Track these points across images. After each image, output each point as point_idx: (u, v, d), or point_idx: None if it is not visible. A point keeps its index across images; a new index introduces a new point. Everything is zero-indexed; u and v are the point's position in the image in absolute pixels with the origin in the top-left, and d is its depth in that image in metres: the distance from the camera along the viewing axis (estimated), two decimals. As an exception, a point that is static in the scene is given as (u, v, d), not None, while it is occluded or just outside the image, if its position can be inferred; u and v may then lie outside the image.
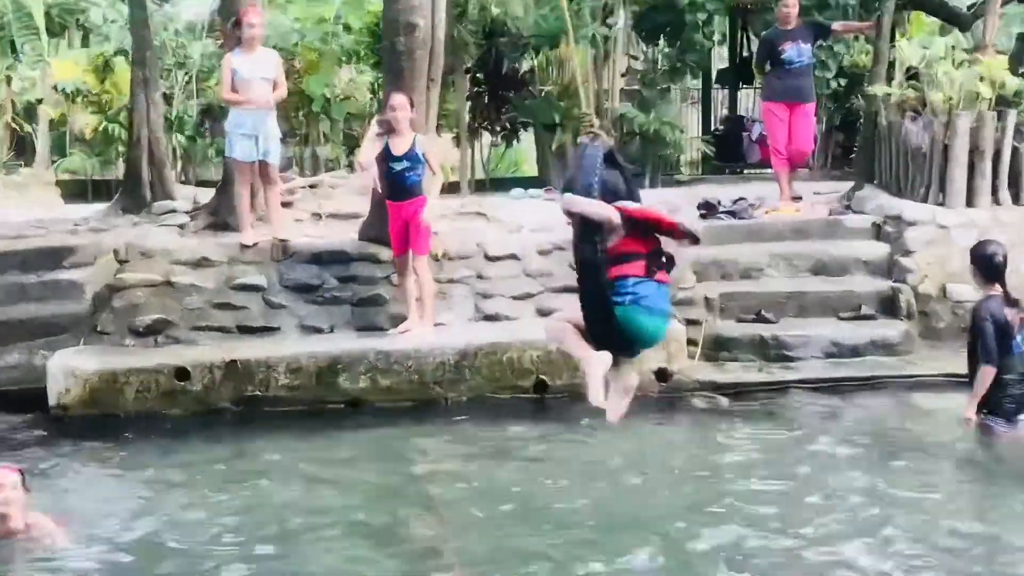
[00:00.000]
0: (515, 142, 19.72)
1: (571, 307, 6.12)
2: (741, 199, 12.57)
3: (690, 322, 10.36)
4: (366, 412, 9.41)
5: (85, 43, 26.04)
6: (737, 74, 20.31)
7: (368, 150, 9.95)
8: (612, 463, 8.03)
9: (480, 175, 19.77)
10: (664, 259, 5.79)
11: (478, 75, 18.56)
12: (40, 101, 23.34)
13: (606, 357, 5.77)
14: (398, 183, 9.92)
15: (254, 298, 10.35)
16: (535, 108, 17.26)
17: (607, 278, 5.62)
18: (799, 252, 11.40)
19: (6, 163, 22.92)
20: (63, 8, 25.04)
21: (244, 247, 10.58)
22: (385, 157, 9.89)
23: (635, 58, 18.43)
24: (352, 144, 20.45)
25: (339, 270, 10.52)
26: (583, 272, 5.66)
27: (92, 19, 23.31)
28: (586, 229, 5.63)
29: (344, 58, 20.21)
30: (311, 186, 12.99)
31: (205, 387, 9.43)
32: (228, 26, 10.64)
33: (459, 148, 18.80)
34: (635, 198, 5.80)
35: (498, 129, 18.96)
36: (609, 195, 5.70)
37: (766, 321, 10.56)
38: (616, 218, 5.63)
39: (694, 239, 5.83)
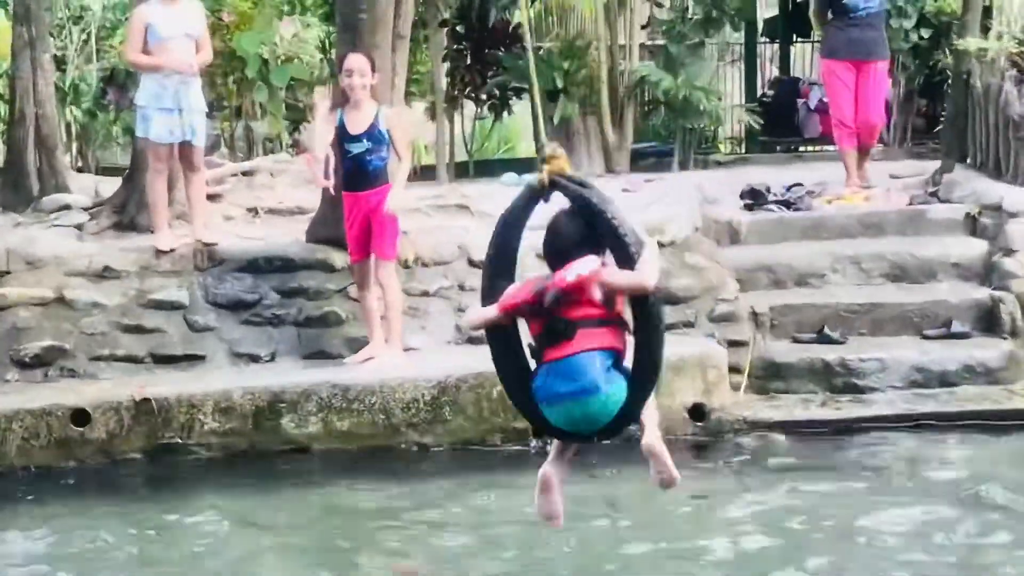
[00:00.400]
0: (505, 114, 19.68)
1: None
2: (796, 185, 12.61)
3: (733, 343, 10.36)
4: (316, 462, 9.39)
5: (-49, -9, 26.04)
6: (789, 25, 20.35)
7: (323, 133, 9.93)
8: (633, 530, 7.98)
9: (462, 156, 19.76)
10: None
11: (457, 28, 18.57)
12: None
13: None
14: (357, 169, 9.90)
15: (173, 318, 10.35)
16: (531, 70, 17.23)
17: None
18: (871, 252, 11.43)
19: None
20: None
21: (160, 253, 10.58)
22: (339, 137, 9.87)
23: (659, 5, 18.44)
24: (297, 118, 20.45)
25: (281, 281, 10.52)
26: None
27: (-41, -40, 23.22)
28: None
29: (286, 8, 20.18)
30: (245, 173, 12.99)
31: (110, 433, 9.37)
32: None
33: (434, 122, 18.80)
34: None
35: (484, 98, 18.94)
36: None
37: (830, 341, 10.55)
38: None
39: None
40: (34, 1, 12.59)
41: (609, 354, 5.37)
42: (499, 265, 5.82)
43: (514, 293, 5.64)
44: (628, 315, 5.42)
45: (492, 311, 5.71)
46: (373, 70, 9.85)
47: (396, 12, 10.72)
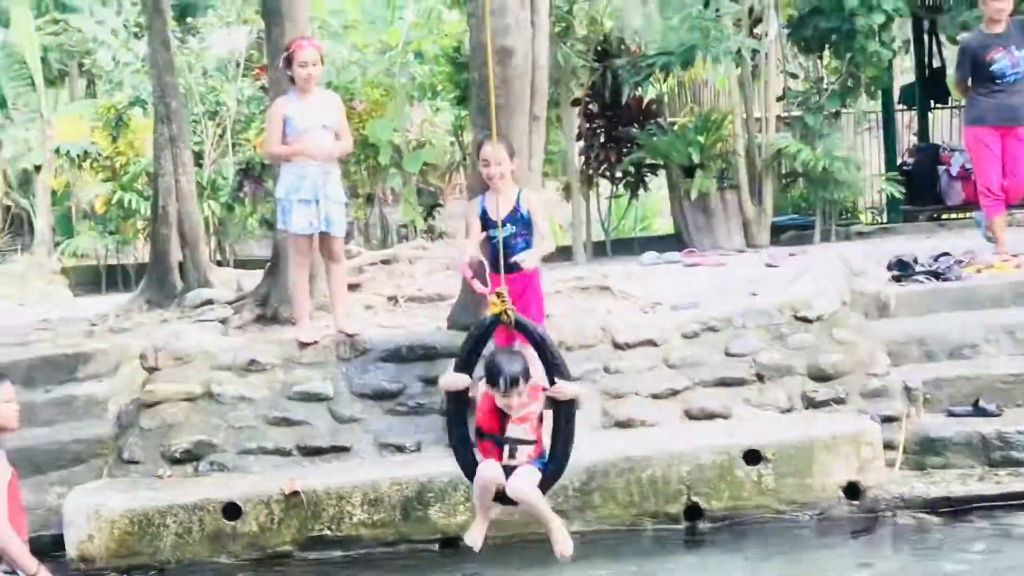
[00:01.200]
0: (641, 191, 19.71)
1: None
2: (944, 255, 12.46)
3: (886, 419, 10.21)
4: (465, 552, 9.38)
5: (91, 93, 26.72)
6: (927, 91, 20.21)
7: (474, 236, 9.54)
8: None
9: (598, 235, 19.81)
10: None
11: (590, 107, 18.69)
12: (39, 168, 23.94)
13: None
14: (505, 254, 9.87)
15: (318, 410, 10.42)
16: (666, 146, 17.27)
17: None
18: (1026, 322, 11.24)
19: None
20: (63, 51, 25.68)
21: (303, 345, 10.66)
22: (483, 223, 9.85)
23: (793, 76, 18.43)
24: (431, 203, 20.70)
25: (425, 369, 10.53)
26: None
27: (99, 63, 23.87)
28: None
29: (416, 94, 20.42)
30: (384, 261, 13.10)
31: (261, 527, 9.49)
32: (279, 64, 10.79)
33: (569, 202, 18.90)
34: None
35: (619, 175, 19.02)
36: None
37: (987, 414, 10.38)
38: None
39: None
40: (175, 100, 12.87)
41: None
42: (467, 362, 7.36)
43: (482, 410, 7.31)
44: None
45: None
46: (511, 155, 9.83)
47: (531, 95, 10.76)
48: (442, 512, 9.48)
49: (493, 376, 7.05)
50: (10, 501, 7.10)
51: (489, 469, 7.14)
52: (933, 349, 11.08)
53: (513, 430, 7.15)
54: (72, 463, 10.37)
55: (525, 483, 7.13)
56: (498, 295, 7.24)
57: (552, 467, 7.20)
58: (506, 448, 7.14)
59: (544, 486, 7.21)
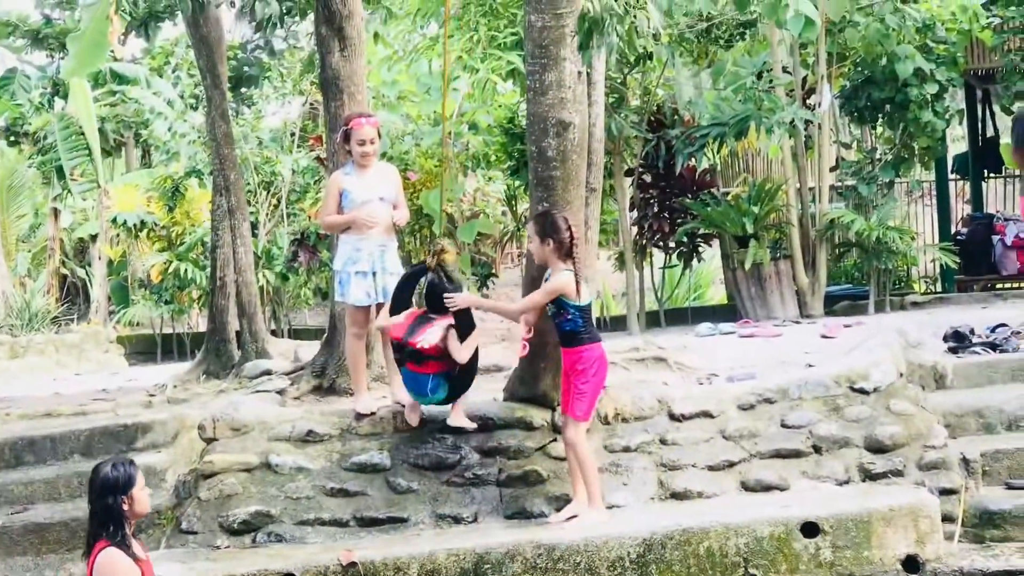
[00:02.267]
0: (695, 261, 19.75)
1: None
2: (1001, 325, 12.44)
3: (944, 492, 10.18)
4: (523, 626, 9.39)
5: (146, 163, 27.03)
6: (980, 161, 20.22)
7: (539, 301, 10.03)
8: None
9: (651, 305, 19.84)
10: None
11: (644, 177, 18.78)
12: (95, 238, 24.19)
13: None
14: (557, 330, 10.00)
15: (375, 481, 10.45)
16: (720, 216, 17.31)
17: None
18: (1085, 393, 11.19)
19: (56, 317, 23.72)
20: (119, 122, 26.02)
21: (360, 416, 10.71)
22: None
23: (846, 147, 18.47)
24: (485, 273, 20.77)
25: (481, 441, 10.56)
26: None
27: (156, 133, 24.16)
28: None
29: (469, 164, 20.56)
30: (439, 332, 13.14)
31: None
32: (337, 139, 10.93)
33: (623, 271, 18.94)
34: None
35: (672, 245, 19.05)
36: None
37: (1046, 487, 10.34)
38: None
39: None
40: (233, 171, 13.01)
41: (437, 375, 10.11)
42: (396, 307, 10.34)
43: (397, 324, 10.24)
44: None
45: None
46: (543, 237, 9.95)
47: (587, 164, 10.83)
48: (499, 583, 9.49)
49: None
50: None
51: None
52: (991, 421, 11.05)
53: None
54: (131, 533, 10.44)
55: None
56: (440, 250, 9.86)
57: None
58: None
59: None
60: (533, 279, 10.26)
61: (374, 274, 10.69)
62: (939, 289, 20.21)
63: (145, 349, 22.73)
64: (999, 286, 19.05)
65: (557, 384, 10.22)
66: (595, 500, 9.91)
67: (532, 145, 10.45)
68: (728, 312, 18.25)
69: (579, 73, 10.25)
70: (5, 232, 27.27)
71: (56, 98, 26.42)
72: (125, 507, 7.46)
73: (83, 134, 24.32)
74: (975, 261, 18.71)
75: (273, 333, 20.33)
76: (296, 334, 21.17)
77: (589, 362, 9.89)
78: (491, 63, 18.54)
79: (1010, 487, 10.42)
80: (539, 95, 10.24)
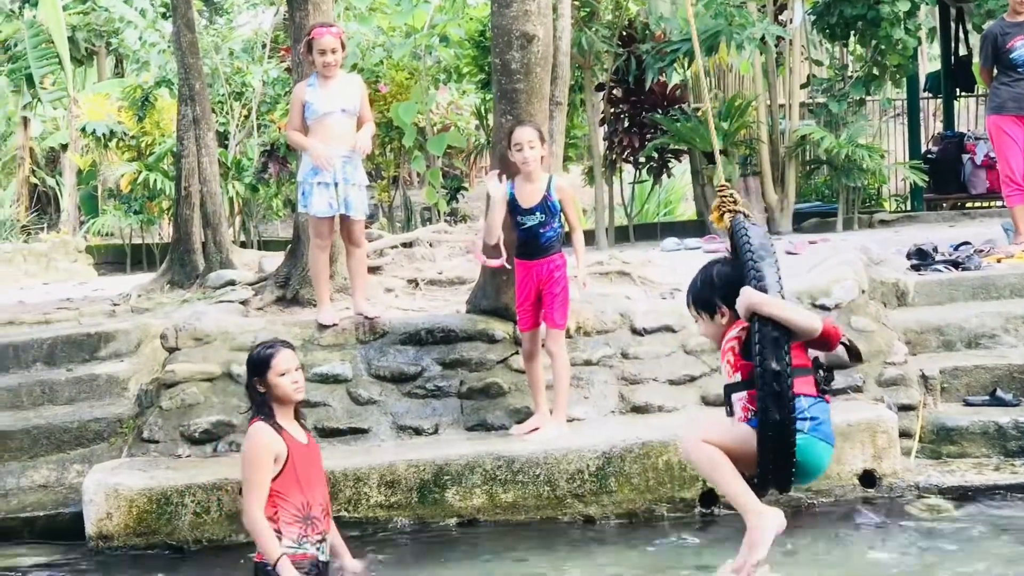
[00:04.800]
0: (665, 177, 19.74)
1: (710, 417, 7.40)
2: (965, 244, 12.47)
3: (903, 408, 10.26)
4: (482, 534, 9.43)
5: (119, 73, 26.83)
6: (952, 80, 20.18)
7: (497, 217, 9.86)
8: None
9: (620, 221, 19.85)
10: (826, 371, 6.23)
11: (614, 92, 18.73)
12: (65, 147, 24.08)
13: (781, 519, 6.13)
14: (531, 240, 9.91)
15: (336, 392, 10.46)
16: (690, 132, 17.28)
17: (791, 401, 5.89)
18: (1045, 312, 11.23)
19: (25, 226, 23.65)
20: (90, 31, 25.81)
21: (322, 327, 10.70)
22: (512, 210, 9.90)
23: (818, 63, 18.42)
24: (455, 186, 20.73)
25: (443, 353, 10.58)
26: (767, 393, 5.86)
27: (126, 43, 23.99)
28: (772, 339, 5.90)
29: (442, 77, 20.46)
30: (405, 245, 13.15)
31: (279, 507, 9.53)
32: (301, 50, 10.83)
33: (592, 186, 18.92)
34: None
35: (642, 161, 19.04)
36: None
37: (1004, 404, 10.39)
38: (819, 329, 6.03)
39: (858, 357, 6.54)
40: (199, 81, 12.91)
41: None
42: None
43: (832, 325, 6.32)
44: None
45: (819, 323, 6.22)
46: (543, 140, 9.88)
47: (553, 80, 10.79)
48: (459, 495, 9.52)
49: None
50: (294, 472, 7.36)
51: None
52: (951, 338, 11.11)
53: None
54: (92, 441, 10.46)
55: None
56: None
57: None
58: None
59: None
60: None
61: (336, 185, 10.55)
62: (908, 208, 20.24)
63: (114, 259, 22.66)
64: (968, 205, 19.11)
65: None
66: (561, 412, 9.93)
67: (496, 58, 10.40)
68: (698, 228, 18.27)
69: (544, -15, 10.18)
70: (-26, 141, 27.12)
71: (27, 5, 26.15)
72: (261, 389, 7.50)
73: (53, 43, 24.13)
74: (945, 180, 18.73)
75: (243, 244, 20.33)
76: (265, 245, 21.12)
77: (563, 269, 9.92)
78: (462, -25, 18.43)
79: (968, 404, 10.51)
80: (503, 7, 10.19)
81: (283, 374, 7.49)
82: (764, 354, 5.86)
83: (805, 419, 5.95)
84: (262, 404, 7.50)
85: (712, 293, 6.34)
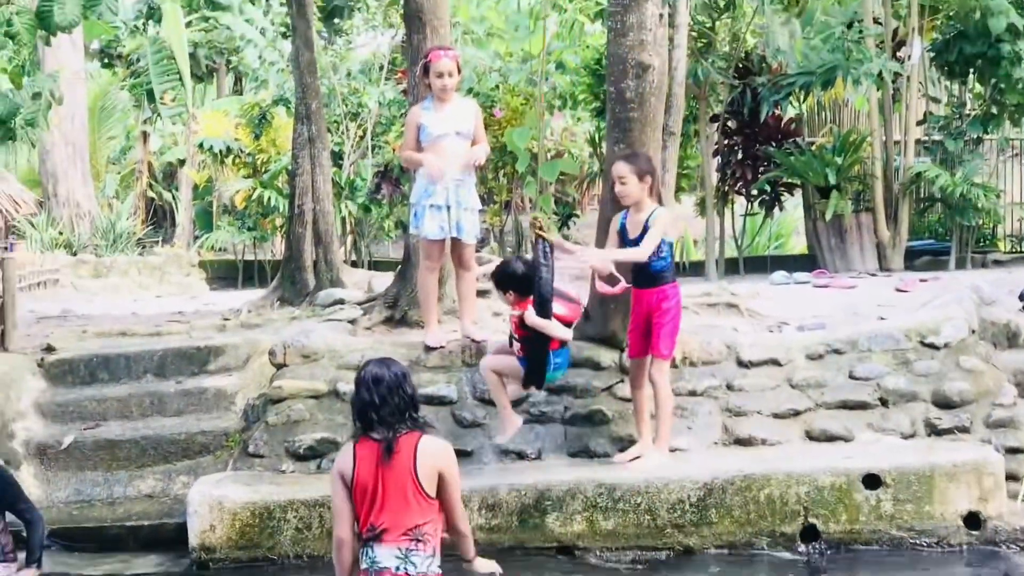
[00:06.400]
0: (776, 210, 19.65)
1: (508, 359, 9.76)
2: (1079, 285, 12.28)
3: (1010, 450, 10.14)
4: (581, 561, 9.44)
5: (237, 90, 27.17)
6: (1073, 118, 19.88)
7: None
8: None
9: (731, 252, 19.78)
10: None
11: (728, 124, 18.70)
12: (182, 163, 24.36)
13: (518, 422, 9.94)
14: (641, 270, 9.92)
15: (441, 414, 10.51)
16: (803, 166, 17.20)
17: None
18: None
19: (141, 239, 24.01)
20: (211, 48, 26.16)
21: (429, 349, 10.77)
22: (621, 239, 9.93)
23: (935, 101, 18.27)
24: (567, 213, 20.76)
25: (548, 379, 10.61)
26: (533, 352, 9.58)
27: (246, 61, 24.26)
28: (538, 334, 9.49)
29: (557, 104, 20.51)
30: (514, 269, 13.16)
31: (379, 527, 9.58)
32: (418, 72, 10.92)
33: (703, 217, 18.88)
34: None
35: (754, 193, 18.97)
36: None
37: (1115, 450, 10.25)
38: (570, 336, 9.75)
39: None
40: (315, 100, 13.05)
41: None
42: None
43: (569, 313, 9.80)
44: None
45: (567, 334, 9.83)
46: (641, 175, 9.83)
47: (667, 108, 10.79)
48: (559, 521, 9.52)
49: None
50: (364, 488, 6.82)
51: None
52: (1061, 381, 10.96)
53: None
54: (198, 454, 10.64)
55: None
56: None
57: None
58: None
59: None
60: (607, 220, 10.24)
61: (448, 208, 10.58)
62: (1023, 249, 19.99)
63: (226, 274, 22.95)
64: (1085, 248, 18.85)
65: (626, 325, 10.22)
66: (663, 441, 9.90)
67: (611, 86, 10.44)
68: (808, 262, 18.16)
69: (660, 15, 10.21)
70: (95, 153, 27.55)
71: (151, 22, 26.60)
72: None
73: (174, 59, 24.51)
74: (1062, 221, 18.52)
75: (354, 264, 20.50)
76: (376, 265, 21.26)
77: (673, 300, 9.90)
78: (579, 3, 18.48)
79: (1078, 448, 10.35)
80: (620, 36, 10.23)
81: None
82: (534, 339, 9.49)
83: (555, 362, 9.61)
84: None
85: (508, 283, 9.68)
